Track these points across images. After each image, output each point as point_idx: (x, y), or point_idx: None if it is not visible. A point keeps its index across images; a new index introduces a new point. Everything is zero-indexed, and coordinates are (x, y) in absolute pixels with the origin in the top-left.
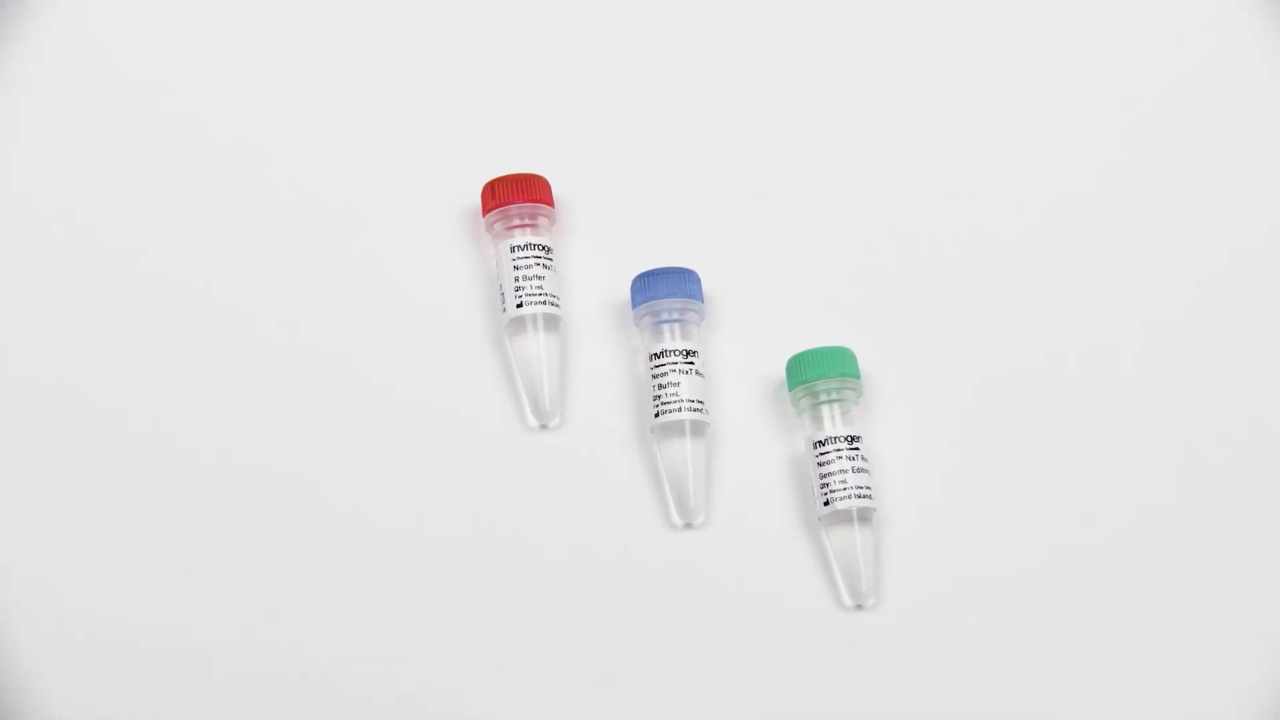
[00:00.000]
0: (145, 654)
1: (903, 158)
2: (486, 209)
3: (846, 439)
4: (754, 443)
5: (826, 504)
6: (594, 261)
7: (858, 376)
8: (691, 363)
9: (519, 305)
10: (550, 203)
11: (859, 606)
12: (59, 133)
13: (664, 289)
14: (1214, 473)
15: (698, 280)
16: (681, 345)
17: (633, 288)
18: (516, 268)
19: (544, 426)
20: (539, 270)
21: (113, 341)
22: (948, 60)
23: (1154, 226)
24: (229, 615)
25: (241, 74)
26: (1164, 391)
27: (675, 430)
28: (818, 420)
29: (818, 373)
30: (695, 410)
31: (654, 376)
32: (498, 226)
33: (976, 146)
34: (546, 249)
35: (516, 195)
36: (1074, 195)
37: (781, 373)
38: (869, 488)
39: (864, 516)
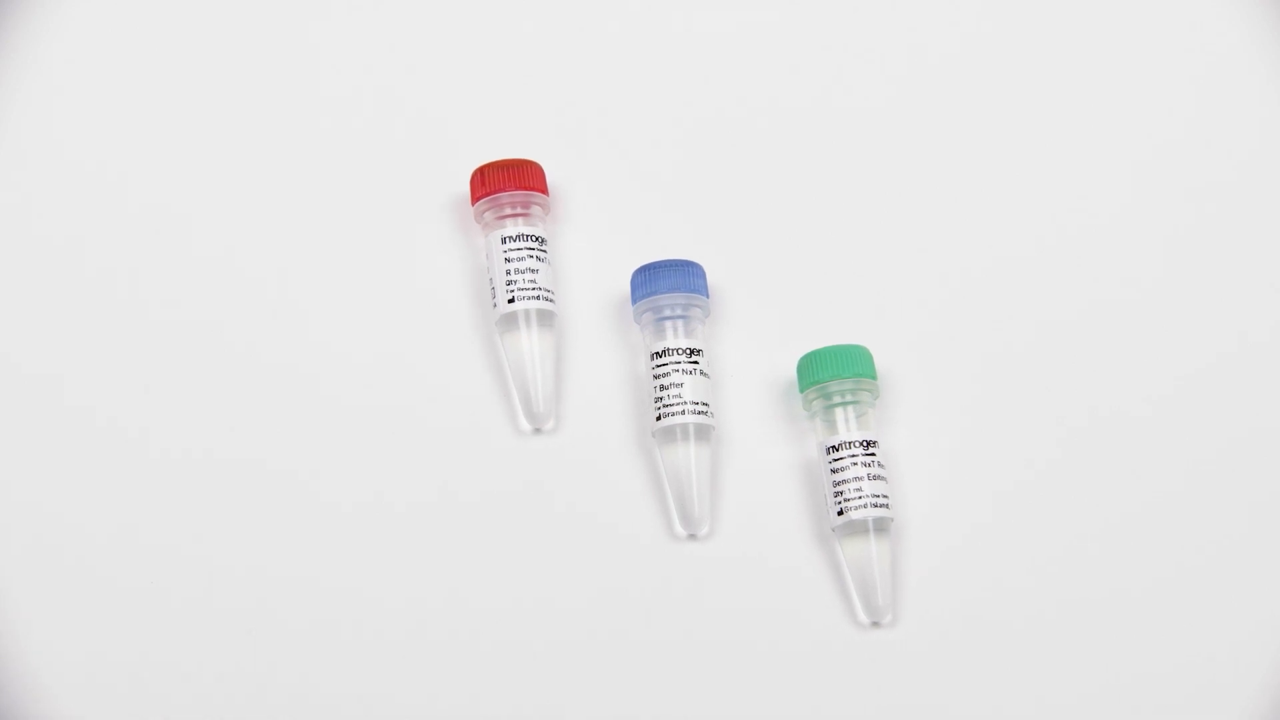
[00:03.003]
0: (133, 660)
1: (921, 143)
2: (476, 197)
3: (862, 444)
4: (762, 448)
5: (840, 514)
6: (591, 253)
7: (874, 377)
8: (696, 362)
9: (511, 300)
10: (544, 190)
11: (875, 624)
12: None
13: (666, 283)
14: (1249, 480)
15: (703, 273)
16: (685, 343)
17: (633, 282)
18: (508, 260)
19: (537, 430)
20: (532, 263)
21: (92, 339)
22: (962, 54)
23: (1186, 227)
24: (206, 630)
25: (220, 54)
26: (1198, 393)
27: (678, 434)
28: (831, 424)
29: (831, 373)
30: (699, 413)
31: (655, 377)
32: (488, 216)
33: (1000, 134)
34: (540, 240)
35: (508, 182)
36: (1096, 193)
37: (792, 373)
38: (886, 496)
39: (880, 527)
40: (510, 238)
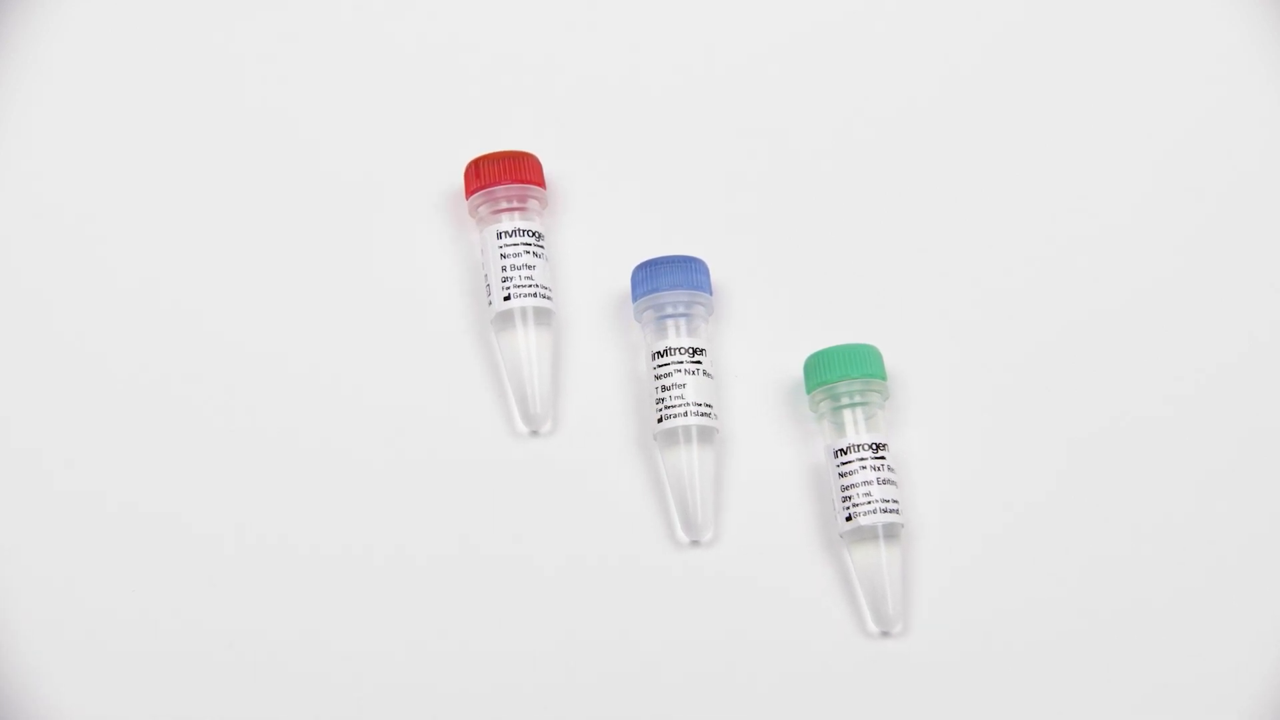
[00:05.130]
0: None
1: (932, 138)
2: (470, 191)
3: (871, 447)
4: (768, 451)
5: (849, 519)
6: (590, 249)
7: (883, 378)
8: (698, 362)
9: (506, 298)
10: (541, 183)
11: (885, 633)
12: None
13: (668, 280)
14: (1274, 483)
15: (706, 270)
16: (687, 342)
17: (633, 278)
18: (504, 256)
19: (534, 433)
20: (529, 259)
21: (84, 339)
22: (964, 41)
23: (1201, 225)
24: (193, 635)
25: (207, 42)
26: (1222, 394)
27: (680, 437)
28: (839, 426)
29: (839, 373)
30: (702, 415)
31: (657, 377)
32: (483, 210)
33: (1012, 130)
34: (537, 235)
35: (503, 175)
36: (1109, 191)
37: (798, 373)
38: (896, 501)
39: (890, 533)
40: (506, 233)
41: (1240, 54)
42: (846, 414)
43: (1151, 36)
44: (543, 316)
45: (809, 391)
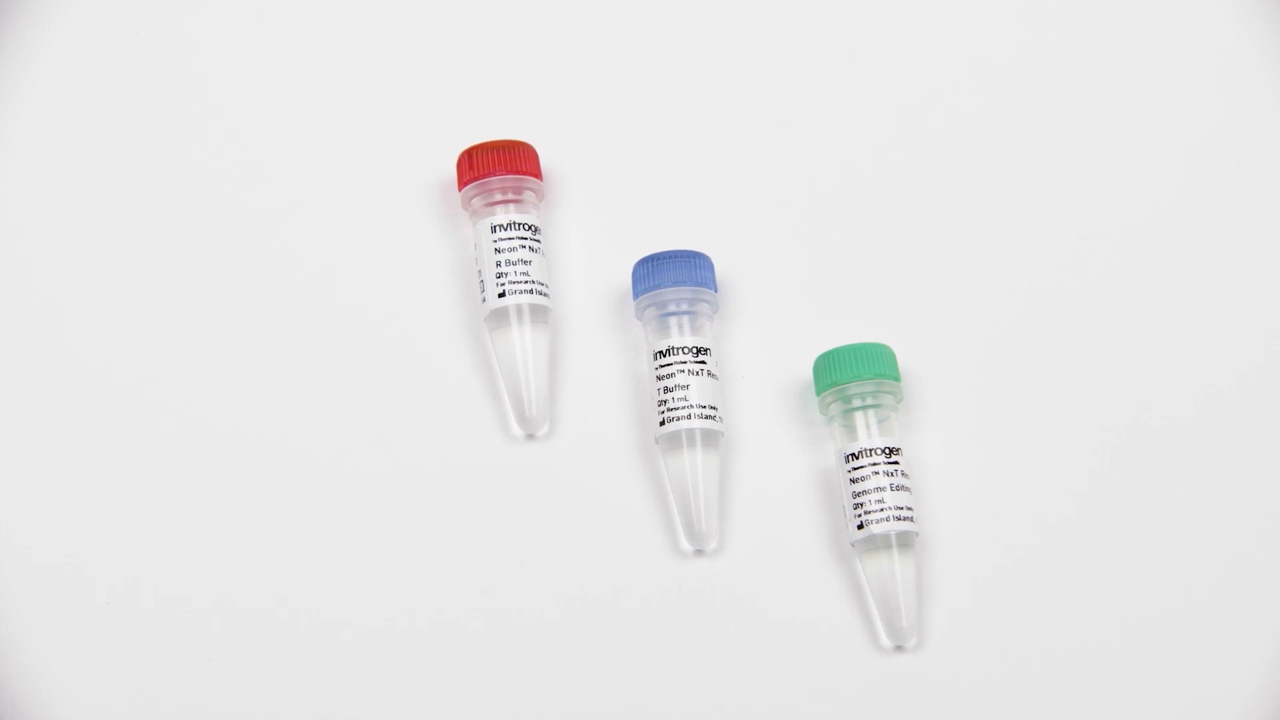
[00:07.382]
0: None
1: (949, 126)
2: (463, 182)
3: (884, 451)
4: (776, 456)
5: (861, 527)
6: (589, 244)
7: (897, 379)
8: (703, 362)
9: (501, 295)
10: (538, 174)
11: (898, 647)
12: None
13: (671, 276)
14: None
15: (710, 265)
16: (691, 342)
17: (634, 274)
18: (498, 251)
19: (530, 436)
20: (525, 254)
21: (81, 335)
22: (974, 34)
23: (1226, 224)
24: (182, 643)
25: (199, 33)
26: (1252, 395)
27: (683, 441)
28: (850, 429)
29: (851, 374)
30: (707, 417)
31: (659, 378)
32: (476, 203)
33: (1033, 122)
34: (533, 229)
35: (498, 166)
36: (1134, 187)
37: (808, 374)
38: (910, 508)
39: (904, 542)
40: (501, 226)
41: (1261, 54)
42: (858, 417)
43: (1169, 32)
44: (539, 314)
45: (819, 393)
